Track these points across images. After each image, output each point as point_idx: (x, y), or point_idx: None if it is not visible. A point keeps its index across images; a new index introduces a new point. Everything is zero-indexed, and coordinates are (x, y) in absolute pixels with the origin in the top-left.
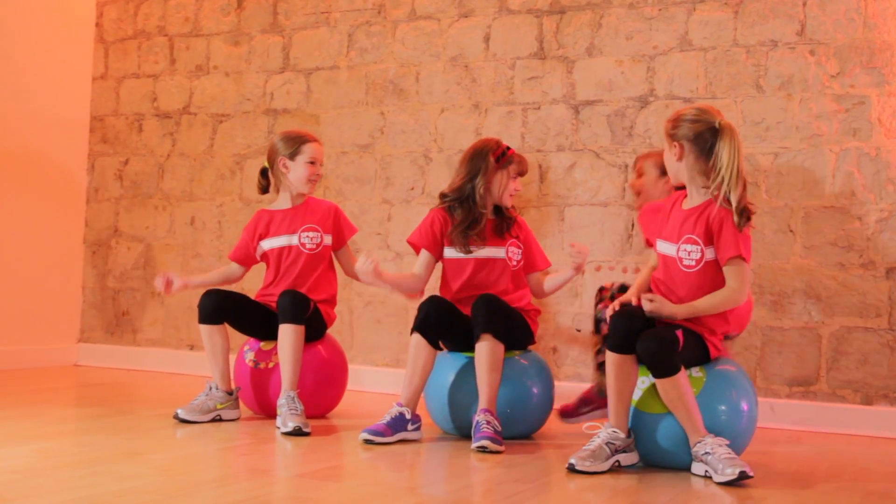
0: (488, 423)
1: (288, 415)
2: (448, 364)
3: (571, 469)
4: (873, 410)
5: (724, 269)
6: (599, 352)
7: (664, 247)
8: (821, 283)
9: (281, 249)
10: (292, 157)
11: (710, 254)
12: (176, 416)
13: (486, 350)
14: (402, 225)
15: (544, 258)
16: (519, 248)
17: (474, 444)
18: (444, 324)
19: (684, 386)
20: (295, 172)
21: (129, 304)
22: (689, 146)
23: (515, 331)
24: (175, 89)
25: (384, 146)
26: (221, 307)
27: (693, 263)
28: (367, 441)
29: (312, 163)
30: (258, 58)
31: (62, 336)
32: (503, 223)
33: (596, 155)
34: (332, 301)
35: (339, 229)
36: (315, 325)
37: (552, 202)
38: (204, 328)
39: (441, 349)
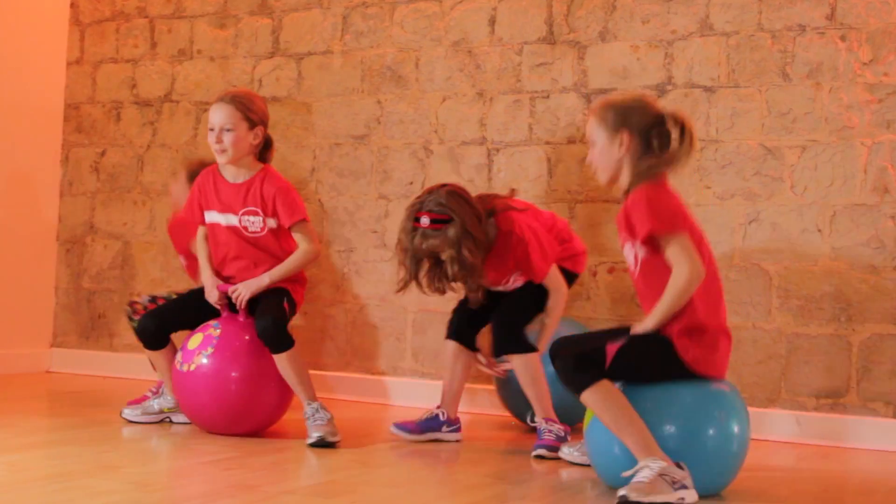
0: (549, 430)
1: (312, 426)
2: None
3: None
4: None
5: (667, 253)
6: None
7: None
8: (851, 286)
9: (222, 227)
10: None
11: (641, 250)
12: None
13: (519, 367)
14: (399, 222)
15: (531, 272)
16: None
17: (534, 453)
18: (477, 326)
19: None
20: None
21: (106, 306)
22: (638, 138)
23: None
24: (156, 75)
25: (381, 137)
26: (161, 330)
27: (634, 264)
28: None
29: (212, 129)
30: (246, 41)
31: (33, 340)
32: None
33: None
34: (299, 280)
35: (277, 216)
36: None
37: (562, 198)
38: (148, 352)
39: (478, 350)
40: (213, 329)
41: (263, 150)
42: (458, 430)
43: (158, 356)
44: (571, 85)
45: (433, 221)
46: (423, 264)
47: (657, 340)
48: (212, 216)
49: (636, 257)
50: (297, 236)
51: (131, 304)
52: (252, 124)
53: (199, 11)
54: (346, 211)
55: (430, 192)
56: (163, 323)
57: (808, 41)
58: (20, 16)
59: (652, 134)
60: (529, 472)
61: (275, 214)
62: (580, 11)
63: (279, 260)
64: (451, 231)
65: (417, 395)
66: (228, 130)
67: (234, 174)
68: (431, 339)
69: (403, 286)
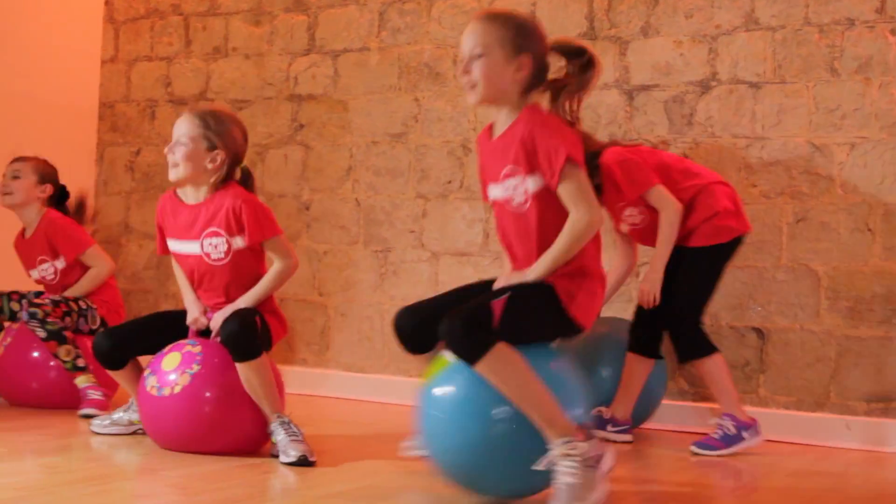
0: (721, 426)
1: (289, 442)
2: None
3: None
4: None
5: (560, 190)
6: None
7: (492, 191)
8: None
9: (183, 257)
10: None
11: (533, 184)
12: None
13: (707, 370)
14: (437, 222)
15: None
16: None
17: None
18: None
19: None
20: None
21: (141, 307)
22: (535, 64)
23: None
24: (191, 73)
25: (419, 135)
26: (116, 351)
27: (522, 200)
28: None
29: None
30: (281, 39)
31: None
32: None
33: (652, 145)
34: (273, 311)
35: (244, 232)
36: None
37: None
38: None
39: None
40: (190, 346)
41: (243, 184)
42: (626, 430)
43: (118, 376)
44: (613, 81)
45: None
46: None
47: (540, 289)
48: (173, 245)
49: (526, 193)
50: (271, 254)
51: (40, 306)
52: (211, 145)
53: (234, 8)
54: (384, 210)
55: None
56: (118, 344)
57: (856, 35)
58: (55, 14)
59: (543, 61)
60: None
61: (241, 231)
62: (621, 6)
63: (249, 288)
64: None
65: None
66: (182, 144)
67: (194, 196)
68: None
69: None
